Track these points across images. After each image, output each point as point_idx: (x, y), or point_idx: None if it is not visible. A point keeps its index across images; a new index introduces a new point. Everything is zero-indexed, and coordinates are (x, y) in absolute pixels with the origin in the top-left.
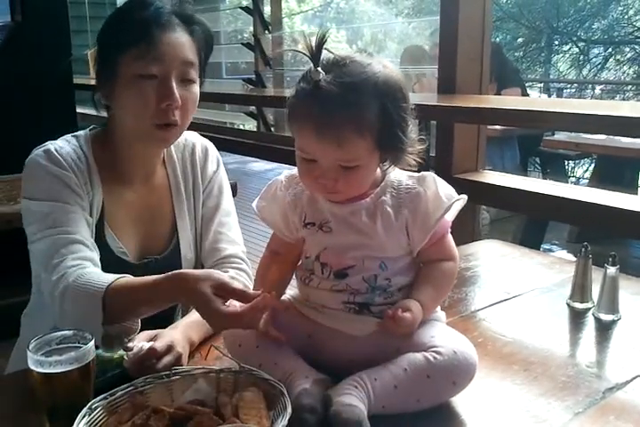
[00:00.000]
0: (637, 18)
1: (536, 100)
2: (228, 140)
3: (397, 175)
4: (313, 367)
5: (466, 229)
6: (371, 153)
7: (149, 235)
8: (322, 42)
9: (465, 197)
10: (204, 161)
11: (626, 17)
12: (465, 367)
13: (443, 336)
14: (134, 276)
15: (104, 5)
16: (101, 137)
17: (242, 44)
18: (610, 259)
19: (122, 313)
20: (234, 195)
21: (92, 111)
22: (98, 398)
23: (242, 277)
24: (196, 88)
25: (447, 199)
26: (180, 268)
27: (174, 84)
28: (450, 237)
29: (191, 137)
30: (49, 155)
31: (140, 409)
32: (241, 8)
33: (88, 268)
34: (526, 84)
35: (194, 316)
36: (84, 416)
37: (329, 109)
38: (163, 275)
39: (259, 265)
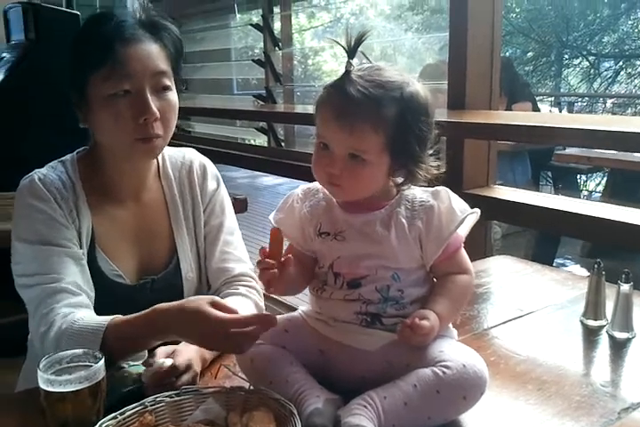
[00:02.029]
0: None
1: (547, 116)
2: (238, 156)
3: (412, 190)
4: (325, 383)
5: (477, 245)
6: (380, 152)
7: (147, 254)
8: (361, 37)
9: (478, 211)
10: (203, 179)
11: (636, 30)
12: (475, 381)
13: (451, 350)
14: (133, 297)
15: None
16: (88, 158)
17: (252, 60)
18: (623, 276)
19: (121, 352)
20: (244, 210)
21: None
22: (107, 417)
23: (253, 294)
24: (173, 95)
25: (461, 213)
26: (181, 288)
27: (149, 98)
28: (463, 252)
29: (189, 155)
30: (33, 187)
31: None
32: (251, 25)
33: (79, 313)
34: (537, 98)
35: None
36: None
37: (351, 98)
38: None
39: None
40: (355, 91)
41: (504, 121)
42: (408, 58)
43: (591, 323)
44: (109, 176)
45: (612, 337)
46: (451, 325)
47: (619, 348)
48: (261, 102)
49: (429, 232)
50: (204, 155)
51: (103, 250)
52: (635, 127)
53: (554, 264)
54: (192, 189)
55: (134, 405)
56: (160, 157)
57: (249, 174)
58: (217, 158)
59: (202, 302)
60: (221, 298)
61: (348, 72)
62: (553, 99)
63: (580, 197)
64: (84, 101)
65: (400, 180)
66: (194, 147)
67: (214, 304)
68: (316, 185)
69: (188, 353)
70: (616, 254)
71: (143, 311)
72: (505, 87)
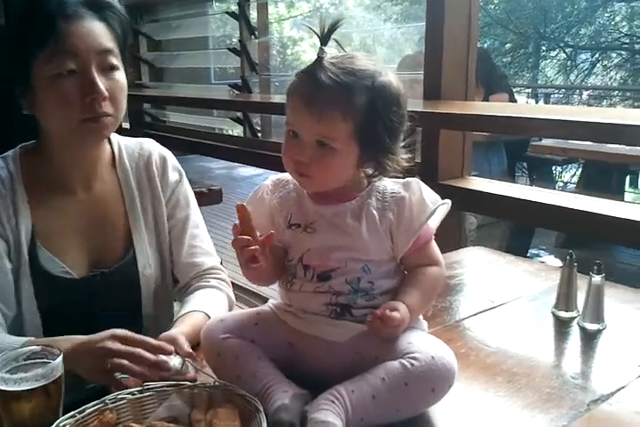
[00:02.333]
0: (624, 24)
1: (522, 107)
2: (213, 146)
3: (383, 181)
4: (295, 376)
5: (451, 236)
6: (348, 140)
7: (99, 247)
8: (334, 24)
9: (449, 202)
10: (163, 171)
11: (612, 23)
12: (443, 373)
13: (420, 342)
14: (81, 292)
15: None
16: (32, 151)
17: (228, 49)
18: (595, 267)
19: None
20: (219, 201)
21: None
22: (65, 416)
23: (224, 286)
24: (121, 75)
25: (432, 204)
26: (138, 284)
27: (96, 76)
28: (434, 244)
29: (148, 145)
30: None
31: None
32: (227, 13)
33: None
34: (514, 90)
35: (187, 326)
36: None
37: (321, 85)
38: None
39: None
40: (325, 77)
41: (479, 112)
42: (387, 48)
43: (562, 314)
44: (57, 167)
45: (582, 329)
46: (421, 316)
47: (589, 339)
48: (237, 92)
49: (400, 224)
50: (179, 145)
51: (46, 246)
52: (610, 118)
53: (528, 255)
54: (151, 181)
55: (94, 402)
56: (116, 147)
57: (226, 165)
58: (192, 149)
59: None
60: (192, 291)
61: (319, 59)
62: (530, 90)
63: (555, 188)
64: (27, 85)
65: (370, 171)
66: (169, 137)
67: (117, 337)
68: (286, 176)
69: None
70: (590, 245)
71: (53, 338)
72: (482, 78)
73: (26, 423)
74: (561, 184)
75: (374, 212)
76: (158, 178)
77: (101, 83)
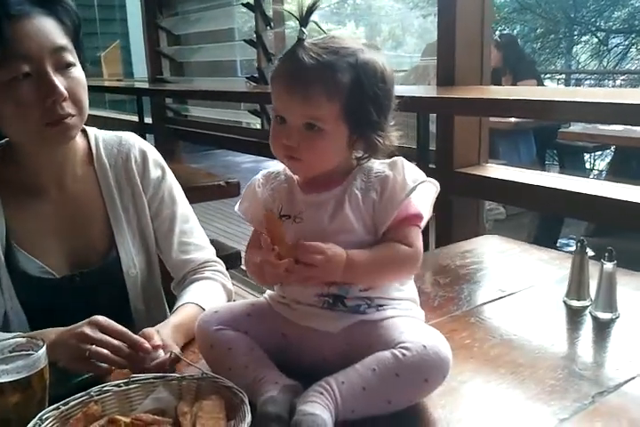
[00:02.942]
0: None
1: (541, 90)
2: (234, 139)
3: (370, 163)
4: (289, 367)
5: (469, 225)
6: (336, 120)
7: (79, 247)
8: (313, 5)
9: (433, 180)
10: (143, 168)
11: None
12: (436, 363)
13: (412, 331)
14: (62, 292)
15: (113, 8)
16: (3, 151)
17: (244, 40)
18: (606, 254)
19: None
20: (237, 194)
21: (102, 113)
22: (49, 408)
23: (219, 277)
24: (79, 71)
25: (412, 182)
26: (123, 283)
27: (53, 77)
28: (416, 229)
29: (127, 140)
30: None
31: (95, 419)
32: (242, 4)
33: None
34: (546, 76)
35: (177, 318)
36: None
37: (303, 65)
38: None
39: (246, 264)
40: (307, 57)
41: (494, 96)
42: (417, 38)
43: (574, 303)
44: (26, 168)
45: (595, 318)
46: (418, 304)
47: (601, 329)
48: (254, 84)
49: (382, 201)
50: (201, 139)
51: (23, 247)
52: (633, 99)
53: (557, 244)
54: (130, 178)
55: (80, 394)
56: (93, 143)
57: (253, 159)
58: (214, 143)
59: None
60: (187, 285)
61: (300, 40)
62: (564, 76)
63: (586, 177)
64: None
65: (361, 152)
66: (191, 131)
67: (96, 324)
68: (277, 168)
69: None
70: (622, 234)
71: (41, 331)
72: (510, 65)
73: (10, 416)
74: (596, 172)
75: (357, 192)
76: (138, 175)
77: (60, 83)
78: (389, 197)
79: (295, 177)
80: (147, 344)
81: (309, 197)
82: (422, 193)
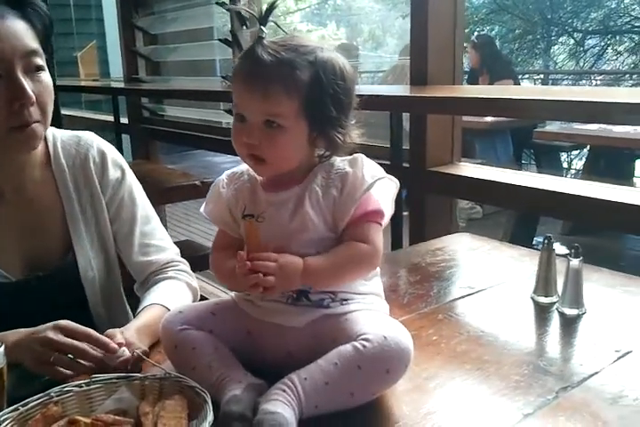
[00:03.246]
0: (634, 7)
1: (513, 89)
2: (209, 139)
3: (331, 160)
4: (255, 365)
5: (441, 223)
6: (296, 116)
7: (36, 250)
8: (272, 5)
9: (391, 177)
10: (102, 169)
11: (622, 6)
12: (397, 353)
13: (374, 323)
14: (17, 295)
15: (89, 7)
16: None
17: (219, 40)
18: (572, 250)
19: None
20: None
21: (78, 113)
22: (8, 409)
23: (183, 276)
24: (47, 76)
25: (371, 178)
26: (80, 287)
27: (23, 80)
28: (376, 226)
29: (86, 141)
30: None
31: (54, 420)
32: (217, 3)
33: None
34: (524, 77)
35: (141, 320)
36: None
37: (262, 62)
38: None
39: (212, 268)
40: (266, 55)
41: (465, 95)
42: (398, 39)
43: (542, 300)
44: None
45: (561, 314)
46: (382, 298)
47: (568, 325)
48: (229, 83)
49: (341, 197)
50: (178, 139)
51: None
52: (598, 97)
53: (534, 243)
54: (88, 180)
55: (39, 395)
56: (51, 144)
57: (234, 159)
58: (191, 142)
59: (44, 328)
60: (150, 286)
61: (259, 38)
62: (542, 76)
63: (564, 176)
64: None
65: (322, 150)
66: (168, 131)
67: (60, 328)
68: (241, 168)
69: (130, 340)
70: (597, 233)
71: (2, 333)
72: (487, 65)
73: None
74: (573, 172)
75: (318, 189)
76: (97, 177)
77: (28, 86)
78: (348, 193)
79: (258, 177)
80: (113, 344)
81: (271, 196)
82: (382, 190)
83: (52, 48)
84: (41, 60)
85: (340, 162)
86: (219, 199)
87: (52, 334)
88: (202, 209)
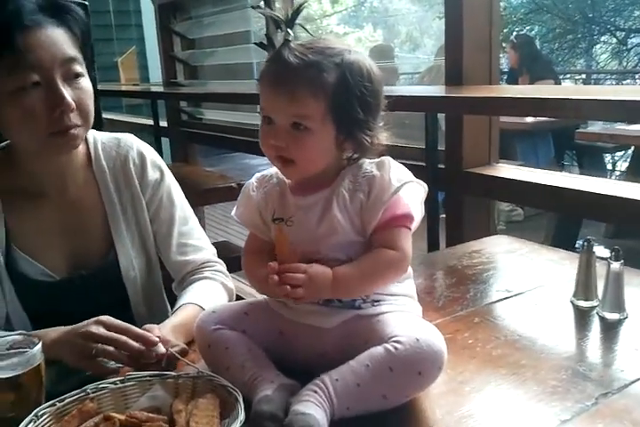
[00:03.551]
0: None
1: (551, 88)
2: (254, 143)
3: (359, 163)
4: (288, 365)
5: (480, 226)
6: (323, 118)
7: (78, 250)
8: (299, 8)
9: (423, 183)
10: (142, 170)
11: None
12: (430, 355)
13: (406, 325)
14: (61, 294)
15: (129, 13)
16: (6, 155)
17: (255, 43)
18: (613, 253)
19: None
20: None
21: (119, 117)
22: (46, 404)
23: (219, 276)
24: (87, 82)
25: (398, 182)
26: (122, 286)
27: (62, 88)
28: (405, 231)
29: (125, 142)
30: None
31: (90, 416)
32: (252, 7)
33: None
34: (565, 77)
35: (177, 319)
36: (28, 424)
37: (289, 65)
38: None
39: (244, 271)
40: (292, 57)
41: (502, 94)
42: (435, 40)
43: (581, 304)
44: (27, 173)
45: (602, 318)
46: (415, 299)
47: (608, 330)
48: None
49: (369, 201)
50: (216, 142)
51: (23, 250)
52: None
53: (576, 246)
54: (128, 181)
55: (75, 391)
56: (92, 147)
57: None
58: (229, 146)
59: (85, 323)
60: (186, 286)
61: (286, 41)
62: (583, 76)
63: (607, 178)
64: None
65: (350, 152)
66: (204, 134)
67: (101, 323)
68: (270, 171)
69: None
70: None
71: (43, 330)
72: (526, 65)
73: (5, 412)
74: (617, 173)
75: (345, 193)
76: (137, 178)
77: (68, 94)
78: (376, 196)
79: (287, 180)
80: (153, 337)
81: (299, 200)
82: (410, 194)
83: (93, 53)
84: (80, 67)
85: (368, 165)
86: (249, 202)
87: (93, 328)
88: (233, 212)
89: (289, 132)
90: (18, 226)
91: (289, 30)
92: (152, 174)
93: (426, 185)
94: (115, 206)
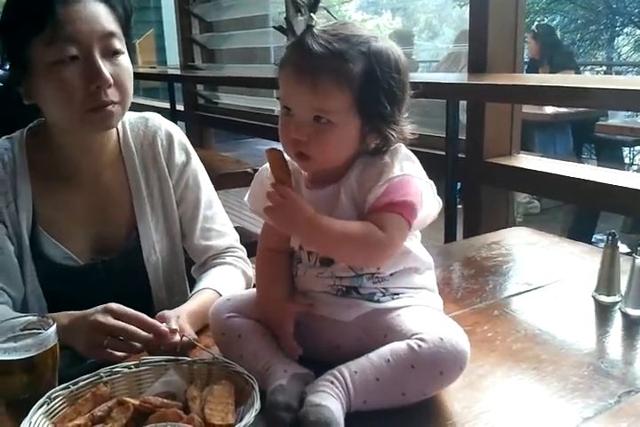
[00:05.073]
0: None
1: (574, 77)
2: (269, 128)
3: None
4: (302, 355)
5: (499, 217)
6: (347, 112)
7: (102, 235)
8: None
9: (430, 181)
10: (169, 151)
11: None
12: (453, 355)
13: (429, 322)
14: (84, 279)
15: None
16: (38, 135)
17: (273, 27)
18: (638, 248)
19: None
20: None
21: (136, 100)
22: (59, 387)
23: (240, 263)
24: (126, 59)
25: (400, 171)
26: (144, 270)
27: (100, 62)
28: (399, 218)
29: (153, 122)
30: None
31: (103, 400)
32: None
33: None
34: (586, 68)
35: (193, 304)
36: (41, 406)
37: (312, 53)
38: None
39: (256, 267)
40: (316, 45)
41: (525, 82)
42: (454, 28)
43: (603, 299)
44: (63, 154)
45: (624, 314)
46: (436, 293)
47: (631, 326)
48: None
49: (375, 186)
50: (232, 127)
51: (49, 232)
52: None
53: (592, 240)
54: (156, 162)
55: (89, 375)
56: (120, 127)
57: None
58: (244, 130)
59: (93, 311)
60: (206, 270)
61: (309, 27)
62: (604, 68)
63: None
64: (26, 73)
65: (373, 145)
66: (220, 118)
67: (110, 311)
68: (286, 157)
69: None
70: None
71: (54, 314)
72: (547, 56)
73: (19, 394)
74: (635, 168)
75: (354, 183)
76: (165, 159)
77: (106, 69)
78: (380, 177)
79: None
80: (163, 327)
81: (314, 193)
82: (413, 186)
83: (131, 32)
84: (119, 44)
85: (382, 152)
86: (262, 191)
87: (101, 318)
88: (245, 198)
89: (311, 126)
90: (45, 208)
91: (312, 15)
92: (179, 157)
93: (432, 182)
94: (140, 189)
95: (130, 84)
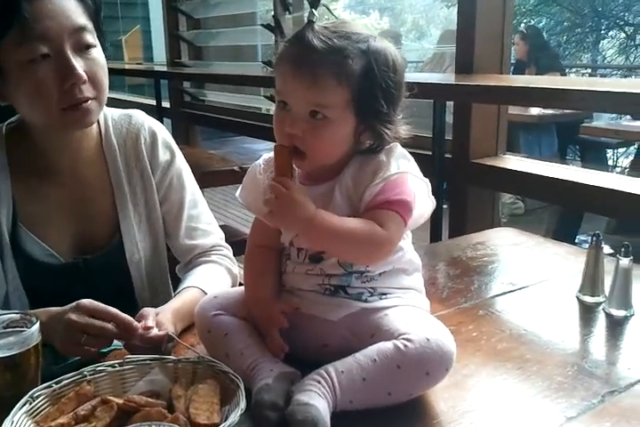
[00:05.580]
0: None
1: (561, 79)
2: (256, 126)
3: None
4: (288, 354)
5: (484, 218)
6: (344, 108)
7: (84, 233)
8: None
9: (425, 179)
10: (152, 149)
11: None
12: (439, 356)
13: (416, 323)
14: (65, 277)
15: None
16: (17, 131)
17: (262, 25)
18: (622, 249)
19: None
20: None
21: (121, 96)
22: (42, 385)
23: (225, 261)
24: (99, 52)
25: (397, 169)
26: (126, 269)
27: (72, 59)
28: (397, 216)
29: (136, 120)
30: None
31: (87, 399)
32: None
33: None
34: (571, 70)
35: (178, 302)
36: (23, 405)
37: (312, 48)
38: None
39: (245, 264)
40: (316, 40)
41: (512, 84)
42: (441, 29)
43: (587, 299)
44: (41, 151)
45: (608, 315)
46: (423, 294)
47: (614, 326)
48: (270, 69)
49: (370, 185)
50: (217, 125)
51: (30, 229)
52: None
53: (576, 241)
54: (139, 160)
55: (72, 374)
56: (103, 123)
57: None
58: (230, 128)
59: (68, 308)
60: (191, 268)
61: (310, 22)
62: (589, 70)
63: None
64: None
65: (367, 144)
66: (206, 116)
67: (82, 308)
68: None
69: (165, 321)
70: None
71: (33, 311)
72: (534, 57)
73: (0, 392)
74: (618, 170)
75: (349, 181)
76: (148, 157)
77: (79, 65)
78: (375, 175)
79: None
80: (135, 323)
81: (309, 189)
82: (410, 184)
83: (103, 25)
84: (91, 37)
85: (378, 151)
86: (254, 186)
87: (74, 316)
88: (237, 193)
89: (306, 121)
90: (26, 205)
91: (313, 10)
92: (162, 155)
93: (428, 180)
94: (123, 187)
95: (105, 78)
